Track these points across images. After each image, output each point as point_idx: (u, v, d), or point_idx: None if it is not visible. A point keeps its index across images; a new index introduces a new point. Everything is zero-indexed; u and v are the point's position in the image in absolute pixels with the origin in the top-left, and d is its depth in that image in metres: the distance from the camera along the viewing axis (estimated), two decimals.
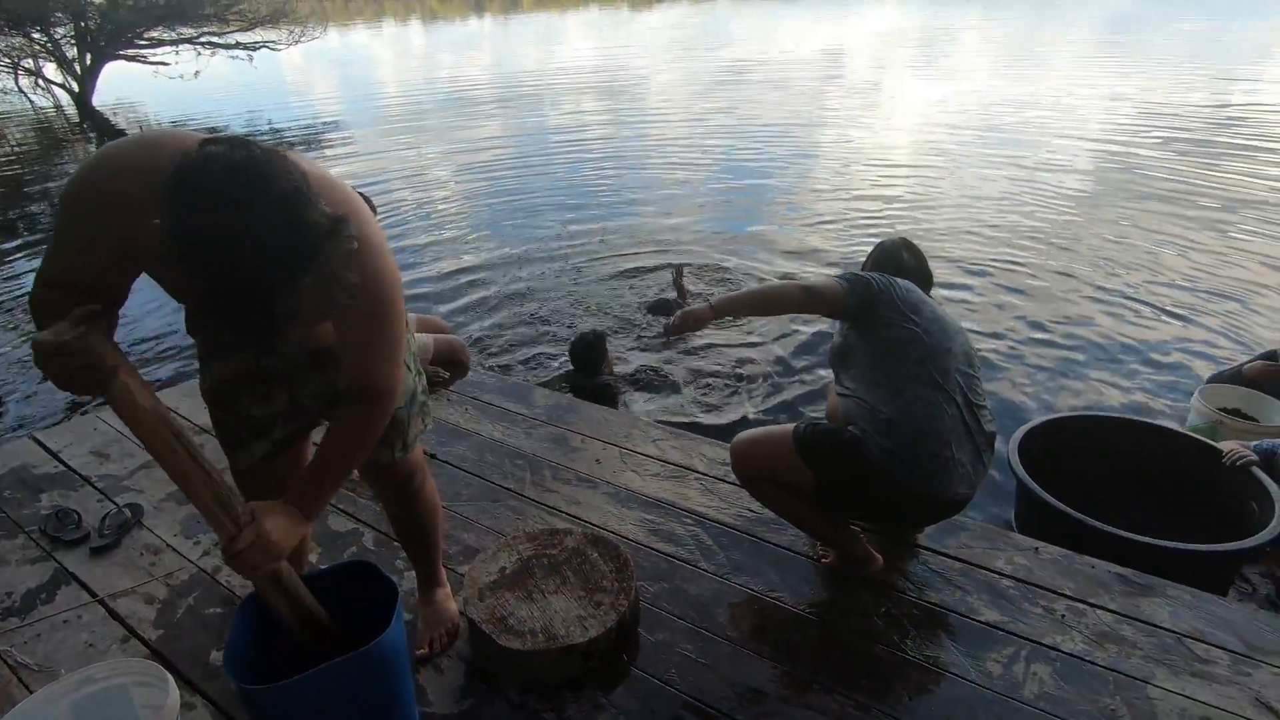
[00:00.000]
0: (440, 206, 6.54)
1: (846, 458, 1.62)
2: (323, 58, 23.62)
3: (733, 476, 2.19)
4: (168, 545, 2.02)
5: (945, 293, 4.17)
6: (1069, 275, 4.52)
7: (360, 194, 2.74)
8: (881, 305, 1.69)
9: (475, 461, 2.34)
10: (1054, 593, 1.79)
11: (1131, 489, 2.45)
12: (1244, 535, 2.01)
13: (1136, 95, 10.64)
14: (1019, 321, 4.01)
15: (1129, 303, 4.15)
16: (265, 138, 10.99)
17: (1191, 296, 4.20)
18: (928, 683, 1.56)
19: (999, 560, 1.90)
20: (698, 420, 3.21)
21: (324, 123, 11.88)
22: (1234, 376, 2.92)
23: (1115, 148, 7.68)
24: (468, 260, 5.15)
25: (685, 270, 4.38)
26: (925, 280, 1.92)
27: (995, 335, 3.87)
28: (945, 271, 4.47)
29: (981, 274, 4.60)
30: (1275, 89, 10.74)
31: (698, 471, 2.28)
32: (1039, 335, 3.86)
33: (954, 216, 5.73)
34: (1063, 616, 1.72)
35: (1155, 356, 3.59)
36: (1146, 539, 2.01)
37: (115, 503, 2.18)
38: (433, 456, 2.32)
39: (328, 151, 9.46)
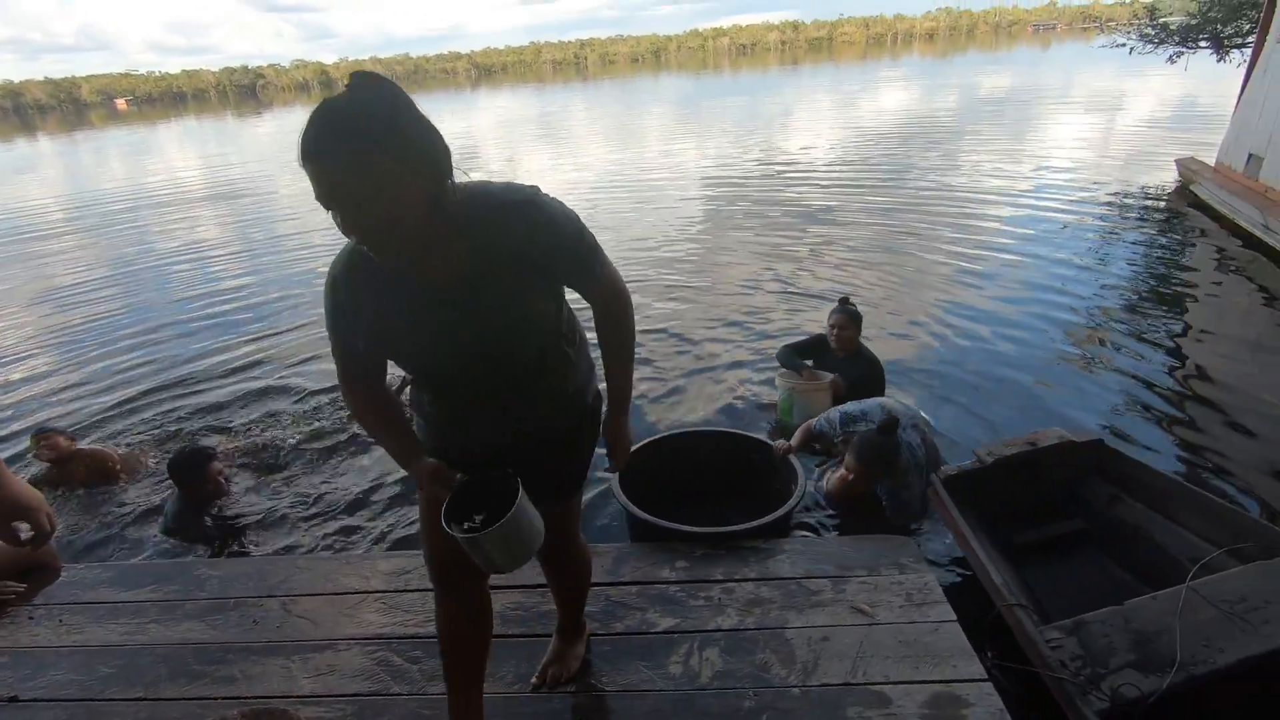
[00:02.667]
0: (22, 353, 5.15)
1: None
2: None
3: (417, 583, 2.13)
4: None
5: None
6: (680, 312, 5.36)
7: None
8: None
9: (83, 684, 1.87)
10: (709, 581, 2.08)
11: (721, 489, 2.72)
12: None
13: (712, 154, 13.23)
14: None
15: (734, 322, 5.05)
16: None
17: (776, 300, 5.28)
18: (622, 710, 1.68)
19: (665, 570, 2.14)
20: (363, 529, 2.95)
21: None
22: (807, 342, 3.63)
23: (703, 193, 9.41)
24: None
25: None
26: None
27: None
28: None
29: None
30: (798, 140, 14.27)
31: (377, 591, 2.15)
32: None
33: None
34: (719, 600, 2.01)
35: (751, 359, 4.41)
36: (708, 529, 2.24)
37: None
38: (12, 699, 1.79)
39: None
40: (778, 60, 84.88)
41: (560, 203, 1.17)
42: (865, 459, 2.58)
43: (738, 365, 4.24)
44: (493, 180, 1.15)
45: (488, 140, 19.71)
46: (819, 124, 17.03)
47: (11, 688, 1.84)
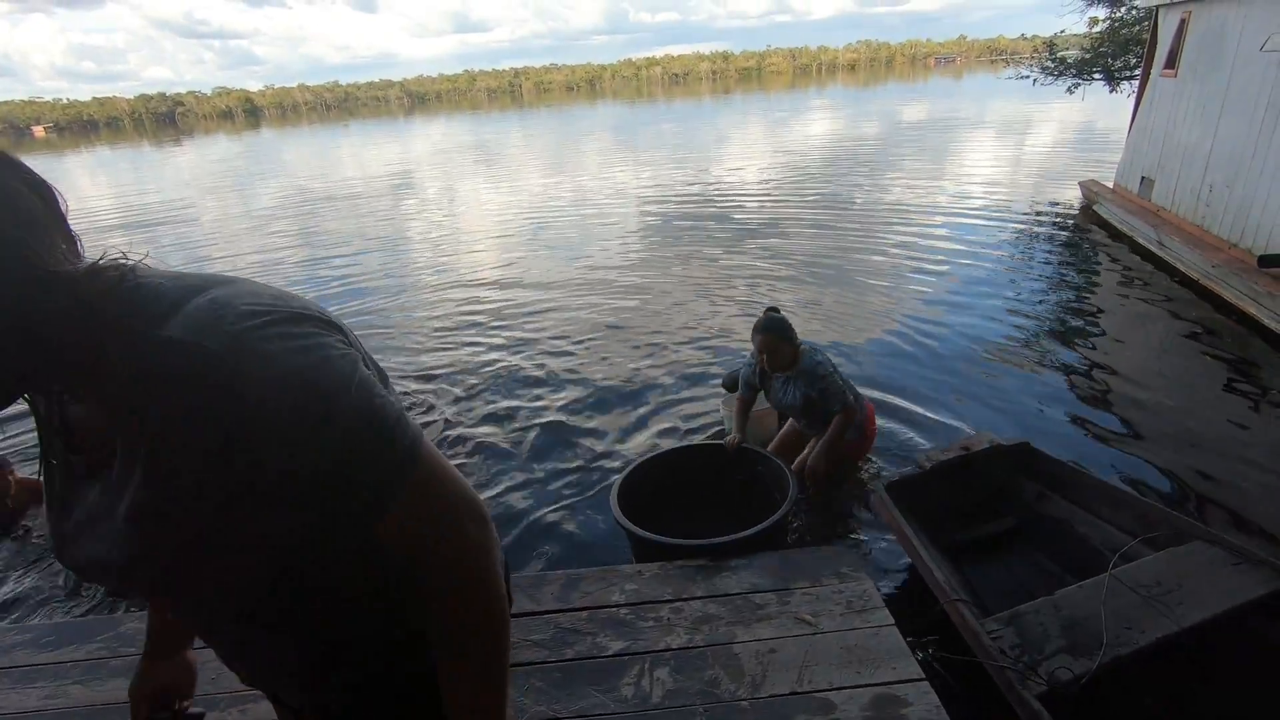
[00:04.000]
0: None
1: None
2: None
3: None
4: None
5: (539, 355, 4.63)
6: (619, 339, 5.41)
7: None
8: None
9: None
10: (659, 602, 2.10)
11: (718, 500, 2.81)
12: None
13: (648, 177, 13.47)
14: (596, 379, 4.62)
15: (677, 339, 5.13)
16: None
17: (718, 319, 5.40)
18: None
19: (614, 594, 2.14)
20: None
21: None
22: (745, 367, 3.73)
23: (645, 217, 9.56)
24: None
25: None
26: None
27: (580, 387, 4.38)
28: (534, 334, 4.96)
29: (567, 346, 5.21)
30: (734, 163, 14.67)
31: None
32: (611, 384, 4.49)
33: (539, 291, 6.41)
34: (668, 619, 2.02)
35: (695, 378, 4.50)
36: (704, 541, 2.29)
37: None
38: None
39: None
40: (710, 89, 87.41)
41: (302, 344, 0.61)
42: (763, 328, 2.87)
43: (683, 384, 4.31)
44: (167, 280, 0.62)
45: (423, 167, 19.54)
46: (754, 148, 17.61)
47: None
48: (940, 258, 6.70)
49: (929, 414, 3.74)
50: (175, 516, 0.62)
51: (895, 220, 8.37)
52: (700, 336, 5.09)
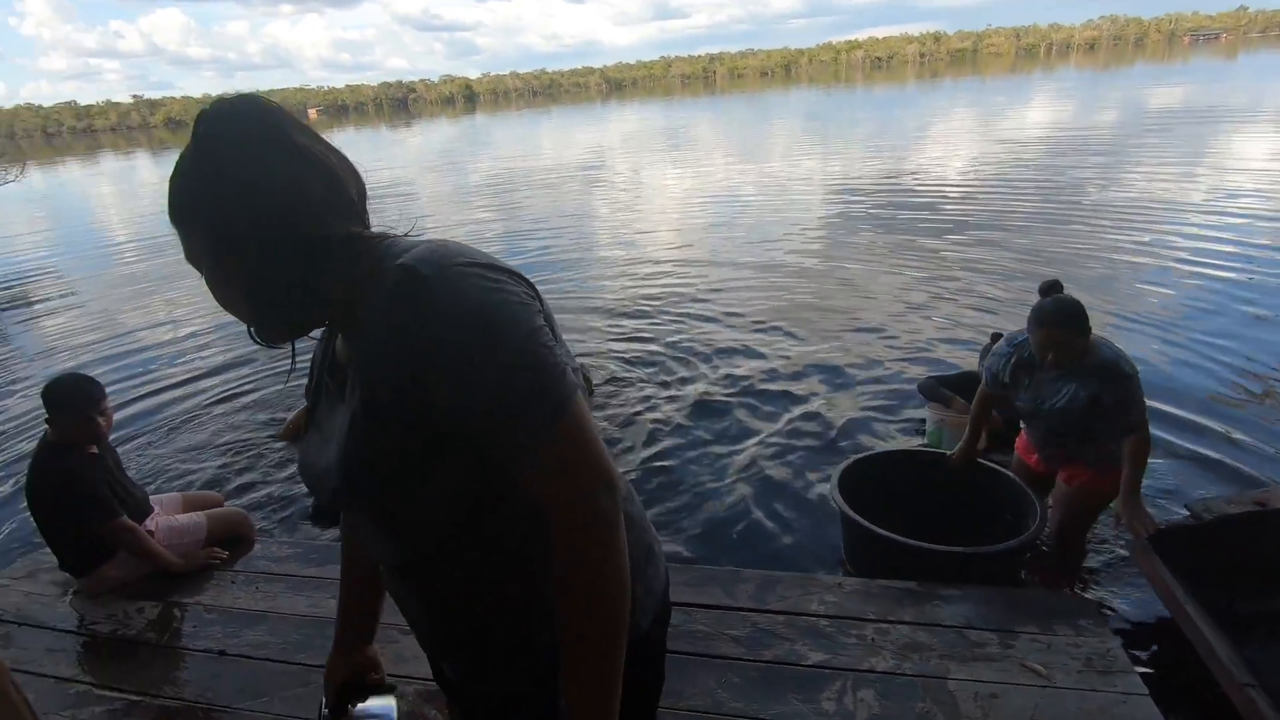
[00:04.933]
0: (190, 360, 5.87)
1: None
2: (27, 201, 20.52)
3: None
4: None
5: (741, 336, 4.62)
6: (820, 323, 5.22)
7: None
8: None
9: (280, 646, 2.08)
10: (862, 620, 2.01)
11: (934, 516, 2.54)
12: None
13: (843, 168, 12.89)
14: (789, 364, 4.51)
15: (887, 336, 4.87)
16: None
17: (926, 324, 5.05)
18: None
19: (813, 603, 2.09)
20: None
21: (34, 277, 10.21)
22: (955, 376, 3.45)
23: (835, 207, 9.18)
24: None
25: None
26: None
27: (769, 385, 4.30)
28: (729, 328, 4.96)
29: (763, 328, 5.16)
30: (939, 152, 13.61)
31: None
32: (825, 377, 4.34)
33: (726, 274, 6.41)
34: (872, 640, 1.93)
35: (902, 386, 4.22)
36: (956, 549, 2.14)
37: None
38: (222, 654, 2.02)
39: (44, 311, 8.10)
40: (916, 74, 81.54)
41: (496, 287, 0.68)
42: (1056, 320, 2.13)
43: (877, 382, 4.09)
44: (419, 239, 0.75)
45: (615, 151, 20.26)
46: (963, 136, 16.15)
47: (220, 643, 2.09)
48: (1195, 264, 5.72)
49: (1202, 450, 3.20)
50: (370, 437, 0.71)
51: (1135, 218, 7.27)
52: (900, 334, 4.80)
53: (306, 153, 0.71)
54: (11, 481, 3.78)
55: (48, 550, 2.43)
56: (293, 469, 3.63)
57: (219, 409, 4.55)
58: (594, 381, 4.34)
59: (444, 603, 0.83)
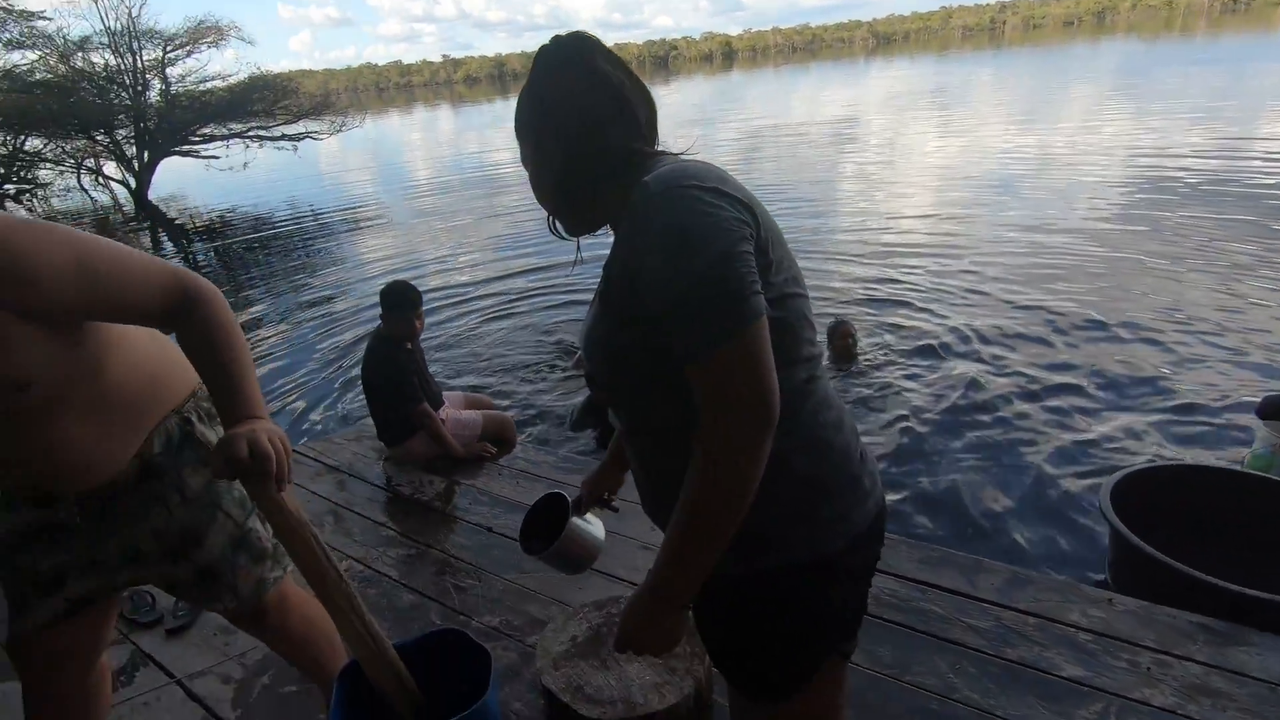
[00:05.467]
0: (464, 283, 6.72)
1: None
2: (360, 144, 24.97)
3: None
4: None
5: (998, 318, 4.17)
6: (1102, 316, 4.48)
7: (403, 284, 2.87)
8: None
9: None
10: (1136, 645, 1.74)
11: (1230, 543, 2.21)
12: None
13: (1149, 141, 10.61)
14: (1054, 365, 3.95)
15: (1178, 343, 4.08)
16: (307, 221, 11.58)
17: (1234, 337, 4.12)
18: None
19: (1073, 613, 1.85)
20: None
21: (362, 205, 12.50)
22: None
23: (1135, 189, 7.69)
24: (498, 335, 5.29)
25: None
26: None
27: (1043, 376, 3.80)
28: (990, 310, 4.49)
29: (1025, 310, 4.60)
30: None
31: None
32: (1098, 381, 3.76)
33: (989, 255, 5.77)
34: (1149, 670, 1.67)
35: (1206, 402, 3.49)
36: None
37: None
38: (489, 530, 2.36)
39: (366, 232, 9.93)
40: None
41: (708, 209, 0.75)
42: None
43: (1197, 391, 3.42)
44: (680, 158, 0.86)
45: (881, 111, 18.91)
46: None
47: (488, 520, 2.44)
48: None
49: None
50: (600, 318, 0.88)
51: None
52: (1228, 333, 3.97)
53: (603, 78, 0.84)
54: (336, 366, 4.67)
55: (370, 420, 3.01)
56: (553, 394, 4.08)
57: (501, 324, 5.24)
58: (856, 345, 4.13)
59: (655, 470, 0.93)
